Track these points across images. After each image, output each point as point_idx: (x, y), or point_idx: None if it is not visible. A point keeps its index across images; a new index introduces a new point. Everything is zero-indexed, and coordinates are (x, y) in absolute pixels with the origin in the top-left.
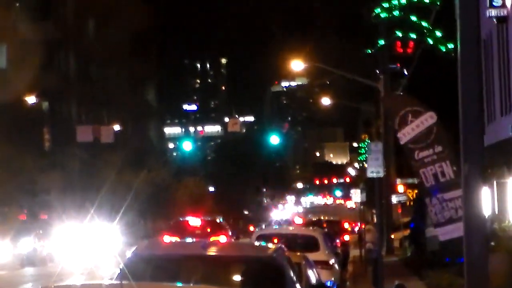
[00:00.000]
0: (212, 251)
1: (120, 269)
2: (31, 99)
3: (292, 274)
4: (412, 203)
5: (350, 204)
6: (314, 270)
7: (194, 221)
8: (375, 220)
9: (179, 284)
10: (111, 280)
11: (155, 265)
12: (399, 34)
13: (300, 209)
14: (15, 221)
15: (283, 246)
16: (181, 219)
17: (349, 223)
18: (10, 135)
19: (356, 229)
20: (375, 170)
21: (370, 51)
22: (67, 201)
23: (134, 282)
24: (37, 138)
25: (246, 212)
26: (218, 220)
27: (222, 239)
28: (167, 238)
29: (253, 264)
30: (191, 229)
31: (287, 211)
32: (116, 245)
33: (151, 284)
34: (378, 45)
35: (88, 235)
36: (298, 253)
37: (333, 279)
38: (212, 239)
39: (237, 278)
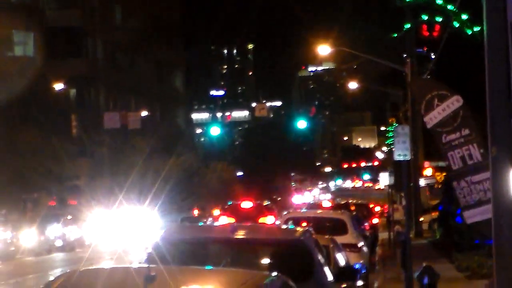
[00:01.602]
0: (240, 235)
1: (148, 253)
2: (58, 86)
3: (320, 257)
4: (440, 186)
5: (378, 186)
6: (343, 253)
7: (246, 204)
8: (403, 203)
9: (208, 268)
10: (139, 264)
11: (183, 249)
12: (425, 17)
13: (328, 196)
14: (45, 207)
15: (311, 229)
16: (235, 202)
17: (380, 206)
18: (38, 122)
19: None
20: (402, 153)
21: (396, 35)
22: (96, 187)
23: (162, 266)
24: (65, 125)
25: (274, 197)
26: (265, 203)
27: (270, 219)
28: (224, 219)
29: (281, 247)
30: (243, 210)
31: (313, 197)
32: (147, 230)
33: (179, 267)
34: (404, 29)
35: (117, 221)
36: (326, 236)
37: (361, 261)
38: (261, 219)
39: (265, 261)
